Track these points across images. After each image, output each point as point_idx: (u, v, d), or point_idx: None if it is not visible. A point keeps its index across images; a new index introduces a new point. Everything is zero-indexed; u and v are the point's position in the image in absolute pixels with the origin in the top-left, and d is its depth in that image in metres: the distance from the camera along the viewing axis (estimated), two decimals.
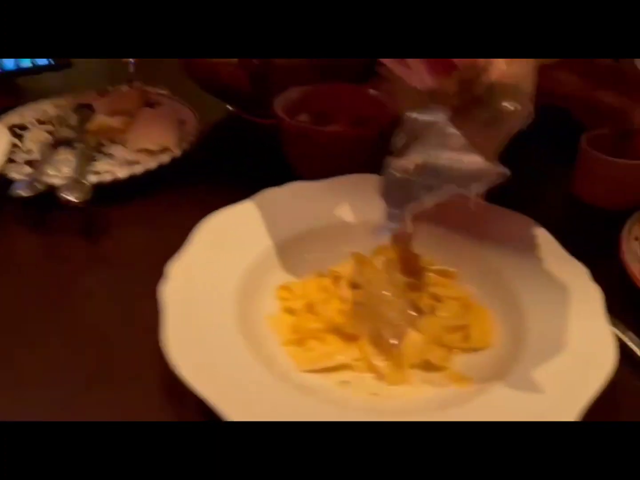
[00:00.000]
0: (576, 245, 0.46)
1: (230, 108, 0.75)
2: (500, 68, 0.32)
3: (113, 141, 0.65)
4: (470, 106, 0.34)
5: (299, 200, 0.49)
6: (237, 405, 0.32)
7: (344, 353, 0.39)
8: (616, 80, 0.78)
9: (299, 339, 0.40)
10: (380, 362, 0.38)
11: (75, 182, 0.52)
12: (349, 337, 0.40)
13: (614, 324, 0.42)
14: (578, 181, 0.60)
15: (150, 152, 0.61)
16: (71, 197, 0.50)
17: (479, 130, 0.33)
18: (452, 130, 0.34)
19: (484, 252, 0.45)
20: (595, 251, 0.50)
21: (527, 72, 0.33)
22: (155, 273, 0.40)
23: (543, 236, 0.45)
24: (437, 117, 0.35)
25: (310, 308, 0.41)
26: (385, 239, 0.34)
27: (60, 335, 0.43)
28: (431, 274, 0.44)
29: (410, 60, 0.34)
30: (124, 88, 0.73)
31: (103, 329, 0.44)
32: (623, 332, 0.42)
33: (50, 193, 0.53)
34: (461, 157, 0.33)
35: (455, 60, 0.31)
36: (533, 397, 0.33)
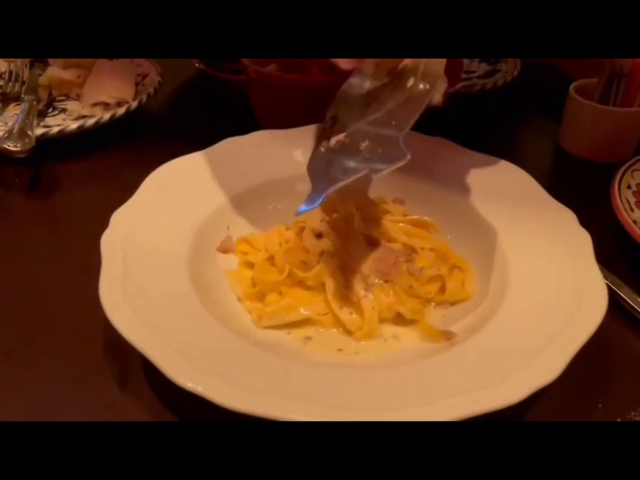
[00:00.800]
0: (563, 195, 0.43)
1: (197, 65, 0.70)
2: None
3: (68, 96, 0.61)
4: (388, 86, 0.36)
5: (263, 149, 0.45)
6: (182, 364, 0.28)
7: (308, 307, 0.35)
8: None
9: (258, 293, 0.36)
10: (347, 316, 0.34)
11: (19, 133, 0.48)
12: (313, 290, 0.36)
13: (604, 273, 0.39)
14: (565, 133, 0.56)
15: (106, 106, 0.57)
16: (12, 147, 0.46)
17: (395, 107, 0.35)
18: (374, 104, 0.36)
19: (465, 200, 0.41)
20: (583, 201, 0.46)
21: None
22: (102, 229, 0.36)
23: (528, 182, 0.41)
24: (362, 88, 0.37)
25: (271, 260, 0.37)
26: (304, 216, 0.35)
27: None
28: (407, 225, 0.40)
29: None
30: None
31: (44, 286, 0.40)
32: (613, 280, 0.38)
33: None
34: (379, 131, 0.35)
35: None
36: (516, 348, 0.29)
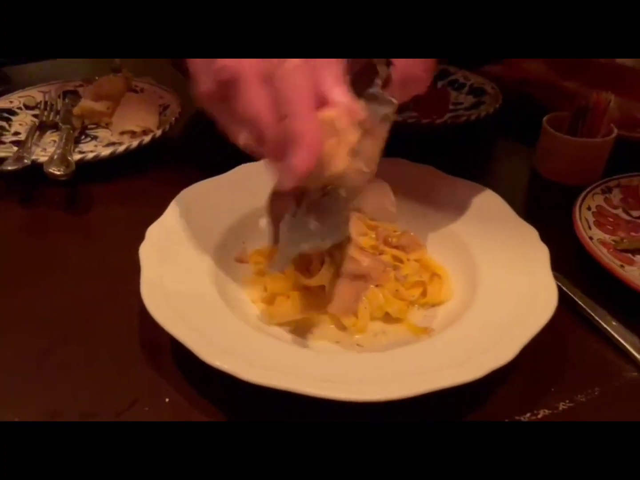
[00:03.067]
0: (535, 215, 0.50)
1: None
2: (342, 163, 0.36)
3: (98, 125, 0.68)
4: (320, 197, 0.40)
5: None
6: (212, 347, 0.35)
7: (310, 308, 0.42)
8: (580, 69, 0.82)
9: (269, 297, 0.43)
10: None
11: (60, 158, 0.55)
12: (315, 293, 0.42)
13: (564, 281, 0.46)
14: (540, 159, 0.64)
15: (132, 134, 0.64)
16: (56, 171, 0.53)
17: (325, 214, 0.39)
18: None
19: (446, 219, 0.48)
20: (552, 221, 0.53)
21: (360, 171, 0.38)
22: (133, 242, 0.43)
23: (498, 203, 0.48)
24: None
25: None
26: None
27: (43, 294, 0.46)
28: (393, 238, 0.47)
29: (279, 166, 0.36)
30: (110, 76, 0.76)
31: (84, 289, 0.46)
32: (571, 288, 0.45)
33: (37, 170, 0.55)
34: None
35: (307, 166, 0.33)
36: (479, 338, 0.36)
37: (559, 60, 0.84)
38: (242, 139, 0.36)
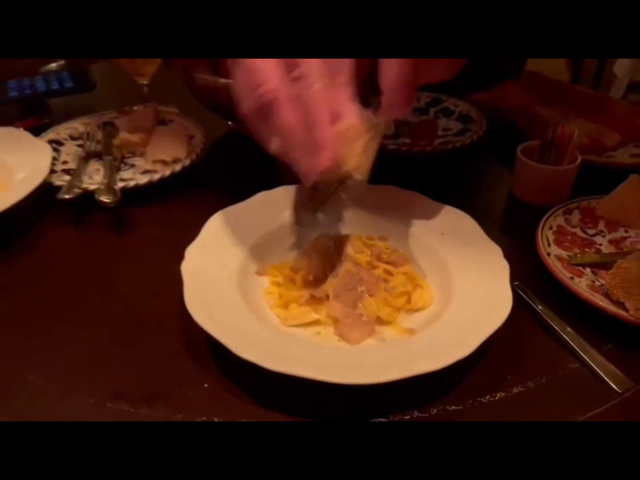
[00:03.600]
0: (509, 233, 0.59)
1: (230, 124, 0.88)
2: (354, 162, 0.47)
3: (134, 154, 0.79)
4: (332, 187, 0.50)
5: (287, 200, 0.62)
6: (240, 343, 0.45)
7: (317, 312, 0.52)
8: (557, 97, 0.92)
9: (284, 303, 0.53)
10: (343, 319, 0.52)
11: (107, 187, 0.66)
12: (321, 300, 0.53)
13: (525, 291, 0.56)
14: (515, 182, 0.73)
15: (164, 163, 0.75)
16: (106, 199, 0.64)
17: (329, 211, 0.51)
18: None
19: (428, 238, 0.58)
20: (522, 238, 0.63)
21: (366, 164, 0.49)
22: (171, 258, 0.53)
23: (472, 225, 0.58)
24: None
25: (292, 281, 0.55)
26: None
27: (96, 303, 0.56)
28: (385, 255, 0.57)
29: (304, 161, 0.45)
30: (140, 108, 0.87)
31: (131, 298, 0.57)
32: (530, 296, 0.55)
33: (87, 196, 0.66)
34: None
35: (328, 164, 0.44)
36: (450, 336, 0.47)
37: (538, 89, 0.94)
38: (276, 147, 0.47)
